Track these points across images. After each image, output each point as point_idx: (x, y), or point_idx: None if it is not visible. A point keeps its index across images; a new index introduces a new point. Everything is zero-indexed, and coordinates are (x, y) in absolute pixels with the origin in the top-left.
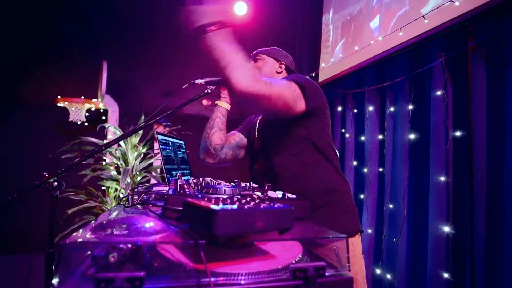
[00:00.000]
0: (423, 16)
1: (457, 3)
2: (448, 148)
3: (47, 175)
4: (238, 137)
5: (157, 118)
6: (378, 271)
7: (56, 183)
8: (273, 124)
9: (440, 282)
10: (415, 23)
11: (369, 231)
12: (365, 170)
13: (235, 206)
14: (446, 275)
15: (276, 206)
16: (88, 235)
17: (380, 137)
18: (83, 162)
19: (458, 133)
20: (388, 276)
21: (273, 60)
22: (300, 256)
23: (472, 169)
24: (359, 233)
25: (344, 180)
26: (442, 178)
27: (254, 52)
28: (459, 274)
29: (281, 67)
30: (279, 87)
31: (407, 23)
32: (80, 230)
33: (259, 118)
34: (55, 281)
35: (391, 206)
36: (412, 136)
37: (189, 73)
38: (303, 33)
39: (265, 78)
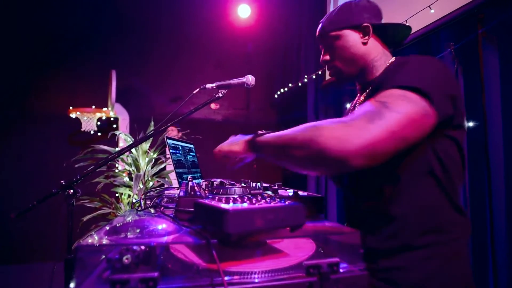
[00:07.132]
0: (429, 6)
1: None
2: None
3: (63, 183)
4: None
5: (168, 125)
6: None
7: (72, 191)
8: None
9: None
10: (423, 13)
11: None
12: None
13: (245, 205)
14: None
15: (286, 203)
16: (102, 238)
17: None
18: (97, 170)
19: (471, 124)
20: None
21: (351, 31)
22: (314, 253)
23: (488, 162)
24: None
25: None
26: None
27: (320, 32)
28: (481, 273)
29: (367, 34)
30: (395, 116)
31: (413, 14)
32: (94, 234)
33: None
34: (72, 284)
35: None
36: None
37: (195, 77)
38: (308, 33)
39: (362, 115)
